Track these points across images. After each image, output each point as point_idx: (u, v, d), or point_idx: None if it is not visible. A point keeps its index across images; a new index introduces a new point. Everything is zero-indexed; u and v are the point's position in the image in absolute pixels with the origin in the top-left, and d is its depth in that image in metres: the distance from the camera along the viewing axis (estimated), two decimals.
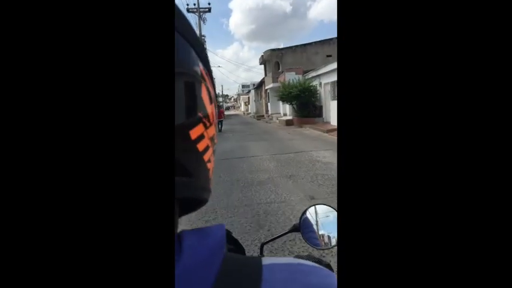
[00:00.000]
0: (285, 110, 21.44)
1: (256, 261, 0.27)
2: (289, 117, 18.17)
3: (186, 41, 0.26)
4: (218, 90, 57.52)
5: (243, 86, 77.33)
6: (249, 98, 43.53)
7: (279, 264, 0.28)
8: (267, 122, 22.01)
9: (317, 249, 0.72)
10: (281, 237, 0.80)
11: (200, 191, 0.28)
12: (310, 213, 0.74)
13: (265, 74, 27.12)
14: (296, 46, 23.19)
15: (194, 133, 0.26)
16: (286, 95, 16.15)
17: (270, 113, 25.54)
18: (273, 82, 22.51)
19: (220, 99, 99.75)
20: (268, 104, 26.35)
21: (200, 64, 0.28)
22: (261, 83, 29.07)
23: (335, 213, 0.71)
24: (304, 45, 23.04)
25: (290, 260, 0.29)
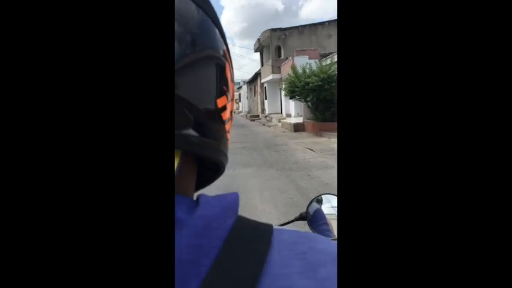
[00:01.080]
0: (289, 110, 16.26)
1: (267, 225, 0.29)
2: (297, 120, 12.94)
3: (212, 21, 0.29)
4: None
5: (235, 83, 72.00)
6: (240, 94, 38.34)
7: (289, 230, 0.30)
8: (264, 124, 16.76)
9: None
10: (287, 225, 0.69)
11: (220, 155, 0.30)
12: (320, 203, 0.72)
13: (262, 64, 21.86)
14: (303, 26, 18.01)
15: (220, 102, 0.28)
16: (301, 88, 10.89)
17: (267, 112, 20.34)
18: (273, 73, 17.30)
19: None
20: (265, 101, 21.12)
21: (224, 44, 0.31)
22: (256, 76, 23.68)
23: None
24: (314, 25, 17.91)
25: (297, 230, 0.31)
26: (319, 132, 10.43)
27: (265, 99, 20.97)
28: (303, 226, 0.67)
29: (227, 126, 0.31)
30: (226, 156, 0.32)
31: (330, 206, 0.72)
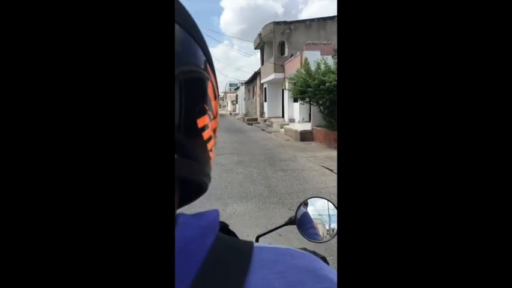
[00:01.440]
0: (293, 114, 14.27)
1: (248, 243, 0.29)
2: (304, 127, 10.92)
3: (192, 38, 0.29)
4: None
5: (231, 85, 70.29)
6: (237, 96, 36.39)
7: (269, 247, 0.30)
8: (263, 129, 14.75)
9: (312, 242, 0.71)
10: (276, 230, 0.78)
11: (202, 175, 0.30)
12: (306, 207, 0.73)
13: (262, 62, 19.90)
14: (311, 20, 16.05)
15: (201, 122, 0.28)
16: (315, 88, 8.80)
17: (266, 116, 18.35)
18: (276, 72, 15.33)
19: None
20: (265, 103, 19.15)
21: (206, 61, 0.31)
22: (255, 76, 21.72)
23: (331, 206, 0.71)
24: (324, 19, 15.94)
25: (280, 245, 0.31)
26: (332, 143, 8.43)
27: (265, 101, 19.00)
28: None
29: (209, 145, 0.31)
30: (208, 176, 0.32)
31: (315, 209, 0.72)
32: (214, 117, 0.32)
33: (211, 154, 0.32)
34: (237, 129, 16.05)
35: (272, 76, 15.60)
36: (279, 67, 15.21)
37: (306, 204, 0.74)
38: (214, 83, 0.32)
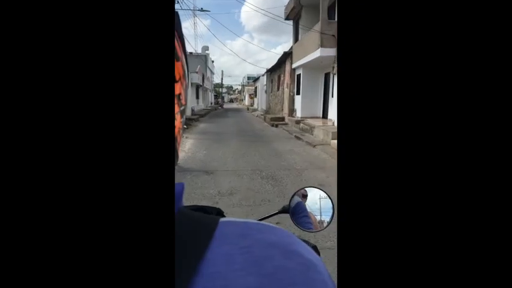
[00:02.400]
0: None
1: (213, 218, 0.28)
2: None
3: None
4: (217, 79, 44.72)
5: (249, 78, 64.68)
6: (256, 88, 30.85)
7: (237, 222, 0.28)
8: (298, 137, 9.14)
9: (305, 231, 0.70)
10: (270, 218, 0.75)
11: None
12: (300, 196, 0.73)
13: (296, 38, 14.17)
14: None
15: None
16: None
17: (299, 114, 12.70)
18: (323, 46, 9.56)
19: (224, 90, 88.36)
20: (297, 97, 13.47)
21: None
22: (282, 60, 15.97)
23: (324, 196, 0.71)
24: None
25: (251, 220, 0.29)
26: None
27: (297, 93, 13.33)
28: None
29: (176, 129, 0.29)
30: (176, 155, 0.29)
31: (309, 199, 0.72)
32: (180, 79, 0.30)
33: (176, 123, 0.29)
34: (255, 133, 10.51)
35: (316, 53, 9.86)
36: (329, 39, 9.46)
37: (300, 194, 0.73)
38: (178, 41, 0.30)
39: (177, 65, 0.30)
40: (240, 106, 47.97)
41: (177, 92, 0.30)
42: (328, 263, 0.27)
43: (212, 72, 36.28)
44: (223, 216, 0.34)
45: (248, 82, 60.32)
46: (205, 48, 28.97)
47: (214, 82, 40.77)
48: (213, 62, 37.21)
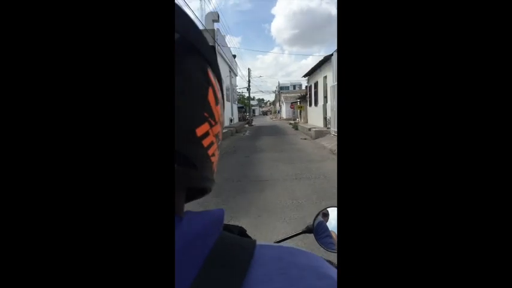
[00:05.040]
0: None
1: (250, 242, 0.30)
2: None
3: (190, 44, 0.29)
4: (243, 90, 32.53)
5: (282, 88, 52.98)
6: (310, 88, 18.57)
7: (271, 245, 0.31)
8: None
9: (328, 251, 0.69)
10: (293, 238, 0.79)
11: (204, 181, 0.31)
12: (324, 216, 0.73)
13: None
14: None
15: (200, 131, 0.29)
16: None
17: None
18: None
19: (254, 102, 77.69)
20: None
21: (208, 69, 0.31)
22: None
23: None
24: None
25: (283, 245, 0.32)
26: None
27: None
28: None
29: (210, 151, 0.31)
30: (210, 180, 0.32)
31: (332, 218, 0.72)
32: (217, 123, 0.32)
33: (213, 159, 0.32)
34: None
35: None
36: None
37: (324, 213, 0.73)
38: (216, 88, 0.32)
39: (217, 108, 0.32)
40: (276, 122, 35.70)
41: (216, 131, 0.32)
42: None
43: (233, 72, 24.53)
44: (245, 232, 0.38)
45: (281, 92, 48.47)
46: (213, 16, 14.87)
47: (237, 87, 28.98)
48: (234, 57, 25.57)
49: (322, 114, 13.86)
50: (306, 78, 18.41)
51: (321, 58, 13.54)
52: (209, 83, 0.30)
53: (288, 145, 10.49)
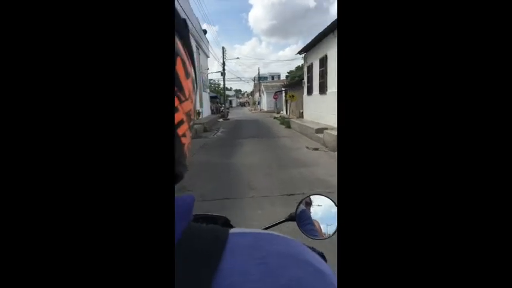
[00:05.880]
0: None
1: (223, 230, 0.28)
2: None
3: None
4: (217, 78, 26.69)
5: (261, 78, 47.78)
6: (302, 79, 13.58)
7: (246, 233, 0.28)
8: None
9: (311, 238, 0.69)
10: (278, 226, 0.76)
11: (176, 164, 0.28)
12: (307, 204, 0.73)
13: None
14: None
15: None
16: None
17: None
18: None
19: (231, 93, 71.99)
20: None
21: (177, 38, 0.29)
22: None
23: (331, 203, 0.71)
24: None
25: (260, 230, 0.29)
26: None
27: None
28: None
29: (180, 131, 0.29)
30: (180, 165, 0.29)
31: (315, 206, 0.72)
32: (187, 99, 0.29)
33: (183, 140, 0.29)
34: None
35: None
36: None
37: (306, 201, 0.73)
38: (186, 60, 0.30)
39: (187, 82, 0.29)
40: (256, 114, 30.46)
41: (187, 109, 0.30)
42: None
43: (203, 51, 18.82)
44: (230, 224, 0.34)
45: (260, 83, 43.25)
46: None
47: (209, 71, 23.13)
48: (205, 32, 19.83)
49: (334, 106, 8.86)
50: (302, 56, 13.24)
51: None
52: (177, 52, 0.28)
53: (297, 168, 5.35)
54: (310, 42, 11.32)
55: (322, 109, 10.30)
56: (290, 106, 16.29)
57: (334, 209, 0.69)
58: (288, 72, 38.48)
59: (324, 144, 7.67)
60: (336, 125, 8.40)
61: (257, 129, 12.90)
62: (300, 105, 14.99)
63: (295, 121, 12.49)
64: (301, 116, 14.51)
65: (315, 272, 0.25)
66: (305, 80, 13.08)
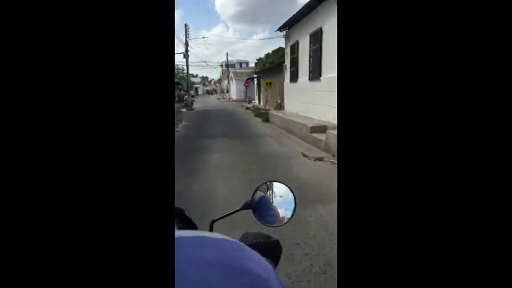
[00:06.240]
0: None
1: None
2: None
3: None
4: (181, 63, 23.45)
5: (227, 66, 44.80)
6: (284, 62, 11.49)
7: (183, 237, 0.26)
8: None
9: (267, 226, 0.69)
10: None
11: None
12: (263, 191, 0.72)
13: None
14: None
15: None
16: None
17: None
18: None
19: (197, 79, 68.07)
20: None
21: None
22: None
23: (287, 189, 0.70)
24: None
25: (201, 233, 0.28)
26: None
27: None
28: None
29: None
30: None
31: (271, 193, 0.71)
32: None
33: None
34: None
35: None
36: None
37: (263, 188, 0.72)
38: None
39: None
40: (225, 104, 27.76)
41: None
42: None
43: None
44: (184, 213, 0.31)
45: (228, 69, 40.35)
46: None
47: None
48: None
49: (332, 96, 6.65)
50: (283, 33, 10.87)
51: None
52: None
53: (309, 207, 3.01)
54: (294, 16, 8.97)
55: (313, 99, 8.08)
56: (266, 95, 13.98)
57: (290, 194, 0.69)
58: (257, 59, 36.07)
59: (327, 149, 5.46)
60: (335, 121, 6.24)
61: (229, 124, 10.47)
62: (278, 94, 12.71)
63: (274, 114, 10.20)
64: (280, 107, 12.25)
65: (247, 282, 0.24)
66: (287, 63, 10.77)
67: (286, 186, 0.69)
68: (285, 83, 11.16)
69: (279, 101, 12.60)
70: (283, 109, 11.51)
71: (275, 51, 30.30)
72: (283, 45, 11.32)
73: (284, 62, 11.13)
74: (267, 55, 32.50)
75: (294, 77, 9.78)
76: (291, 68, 10.19)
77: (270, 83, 12.67)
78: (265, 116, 11.13)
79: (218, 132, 8.30)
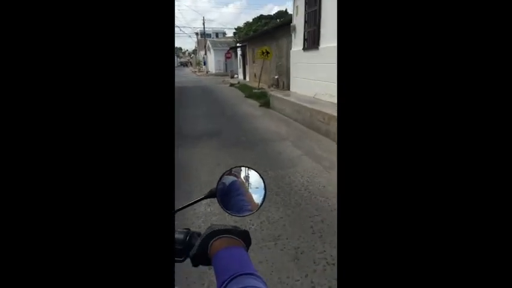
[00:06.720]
0: None
1: None
2: None
3: None
4: None
5: (204, 35, 40.31)
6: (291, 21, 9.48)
7: None
8: None
9: (233, 215, 0.65)
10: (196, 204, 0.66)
11: None
12: (229, 177, 0.67)
13: None
14: None
15: None
16: None
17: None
18: None
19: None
20: None
21: None
22: None
23: (255, 173, 0.66)
24: None
25: None
26: None
27: None
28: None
29: None
30: None
31: (238, 180, 0.67)
32: None
33: None
34: None
35: None
36: None
37: (229, 175, 0.67)
38: None
39: None
40: (202, 78, 24.01)
41: None
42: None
43: None
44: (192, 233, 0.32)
45: (205, 38, 36.00)
46: None
47: None
48: None
49: None
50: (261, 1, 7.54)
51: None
52: None
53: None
54: None
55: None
56: (261, 70, 10.76)
57: (260, 179, 0.65)
58: (235, 28, 32.20)
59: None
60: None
61: (215, 111, 7.27)
62: (276, 68, 9.52)
63: (279, 96, 7.11)
64: (278, 85, 9.13)
65: None
66: (296, 23, 7.54)
67: (253, 170, 0.65)
68: (291, 51, 7.96)
69: (276, 77, 9.47)
70: (286, 89, 8.41)
71: (256, 19, 26.72)
72: (264, 13, 7.93)
73: (291, 21, 7.88)
74: (247, 24, 28.92)
75: (313, 42, 6.61)
76: (306, 29, 6.98)
77: (268, 52, 9.43)
78: (263, 99, 8.02)
79: (200, 129, 5.15)
